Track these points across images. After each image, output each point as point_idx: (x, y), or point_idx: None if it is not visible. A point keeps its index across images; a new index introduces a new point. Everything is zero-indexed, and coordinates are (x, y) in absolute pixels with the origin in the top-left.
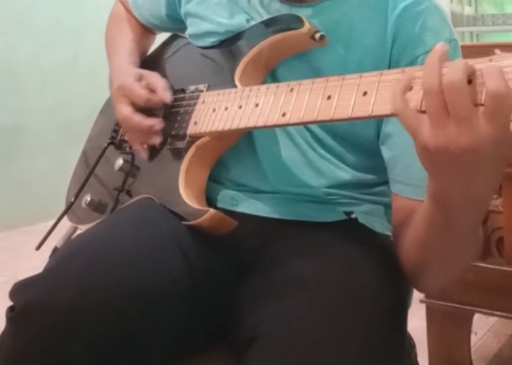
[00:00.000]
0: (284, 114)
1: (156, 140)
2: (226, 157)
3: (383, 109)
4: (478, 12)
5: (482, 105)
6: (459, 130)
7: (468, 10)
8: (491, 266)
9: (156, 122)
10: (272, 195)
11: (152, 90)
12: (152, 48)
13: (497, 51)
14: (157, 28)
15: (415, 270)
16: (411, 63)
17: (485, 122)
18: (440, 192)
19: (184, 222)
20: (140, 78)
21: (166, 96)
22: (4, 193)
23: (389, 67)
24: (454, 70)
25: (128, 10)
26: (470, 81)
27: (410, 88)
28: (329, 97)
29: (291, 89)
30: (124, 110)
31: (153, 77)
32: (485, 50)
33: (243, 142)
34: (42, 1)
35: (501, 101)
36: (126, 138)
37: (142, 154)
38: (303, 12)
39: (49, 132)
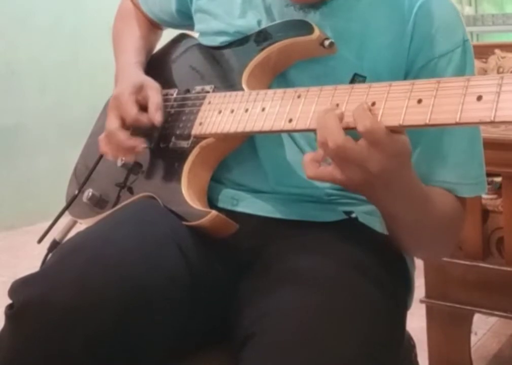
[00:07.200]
0: (290, 120)
1: (131, 159)
2: (228, 158)
3: (390, 120)
4: (478, 12)
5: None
6: (361, 165)
7: (468, 10)
8: (491, 266)
9: (138, 143)
10: (272, 195)
11: (145, 108)
12: (158, 46)
13: (497, 51)
14: (166, 23)
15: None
16: (426, 65)
17: (375, 152)
18: (376, 204)
19: (184, 222)
20: (140, 89)
21: (156, 117)
22: (4, 193)
23: (405, 66)
24: (334, 134)
25: (135, 6)
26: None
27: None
28: (336, 105)
29: (299, 96)
30: (111, 124)
31: (152, 92)
32: (485, 50)
33: (245, 144)
34: (42, 1)
35: (373, 134)
36: (101, 148)
37: (109, 158)
38: (316, 13)
39: (49, 132)
